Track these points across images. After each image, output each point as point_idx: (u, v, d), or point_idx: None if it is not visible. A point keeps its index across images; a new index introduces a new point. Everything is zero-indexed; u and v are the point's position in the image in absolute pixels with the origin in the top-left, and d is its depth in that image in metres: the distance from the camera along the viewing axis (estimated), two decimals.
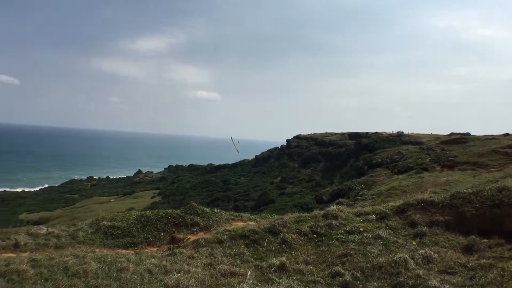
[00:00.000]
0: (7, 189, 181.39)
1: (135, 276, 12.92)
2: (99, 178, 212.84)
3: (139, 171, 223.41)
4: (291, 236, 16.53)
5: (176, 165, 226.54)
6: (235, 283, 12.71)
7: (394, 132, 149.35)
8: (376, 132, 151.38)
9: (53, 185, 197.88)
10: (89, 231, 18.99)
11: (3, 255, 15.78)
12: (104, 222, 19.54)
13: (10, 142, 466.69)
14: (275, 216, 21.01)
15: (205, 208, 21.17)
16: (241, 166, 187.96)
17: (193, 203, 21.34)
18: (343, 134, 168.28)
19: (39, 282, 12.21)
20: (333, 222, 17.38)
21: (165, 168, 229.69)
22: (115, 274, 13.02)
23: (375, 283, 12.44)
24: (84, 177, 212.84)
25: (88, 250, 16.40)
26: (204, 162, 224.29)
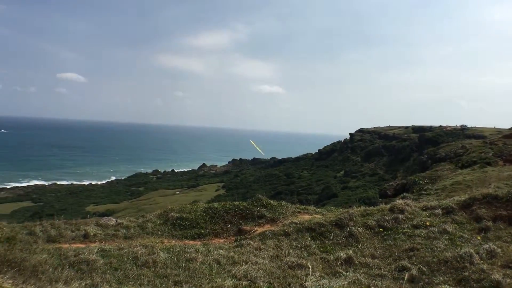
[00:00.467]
0: (75, 182, 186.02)
1: (204, 267, 13.11)
2: (164, 171, 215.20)
3: (204, 165, 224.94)
4: (358, 230, 16.51)
5: (240, 159, 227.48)
6: (302, 275, 12.77)
7: (458, 125, 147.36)
8: (440, 126, 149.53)
9: (120, 178, 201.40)
10: (158, 222, 19.25)
11: (73, 245, 16.13)
12: (172, 213, 19.78)
13: (78, 138, 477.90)
14: (341, 209, 20.91)
15: (272, 201, 21.20)
16: (304, 160, 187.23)
17: (260, 196, 21.41)
18: (406, 127, 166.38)
19: (108, 271, 12.47)
20: (400, 216, 17.29)
21: (229, 162, 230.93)
22: (183, 264, 13.24)
23: (440, 278, 12.40)
24: (149, 171, 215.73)
25: (157, 241, 16.64)
26: (267, 156, 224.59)
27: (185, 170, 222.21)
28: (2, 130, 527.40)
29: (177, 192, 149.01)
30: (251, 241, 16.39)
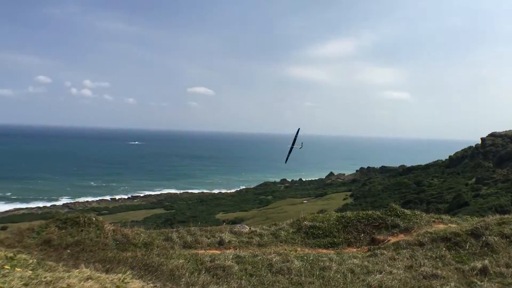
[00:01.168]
0: (205, 191, 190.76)
1: (338, 275, 13.24)
2: (292, 180, 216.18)
3: (331, 174, 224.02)
4: (493, 239, 16.19)
5: (368, 167, 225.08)
6: (437, 285, 12.69)
7: None
8: None
9: (248, 187, 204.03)
10: (291, 231, 19.49)
11: (208, 251, 16.65)
12: (305, 222, 19.97)
13: (209, 148, 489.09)
14: (476, 218, 20.48)
15: (406, 210, 21.02)
16: (433, 167, 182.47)
17: (393, 205, 21.29)
18: None
19: (244, 277, 12.83)
20: None
21: (356, 170, 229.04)
22: (318, 273, 13.41)
23: None
24: (277, 180, 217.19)
25: (291, 249, 16.91)
26: (395, 164, 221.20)
27: (312, 179, 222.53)
28: (137, 142, 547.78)
29: (304, 201, 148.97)
30: (384, 251, 16.40)
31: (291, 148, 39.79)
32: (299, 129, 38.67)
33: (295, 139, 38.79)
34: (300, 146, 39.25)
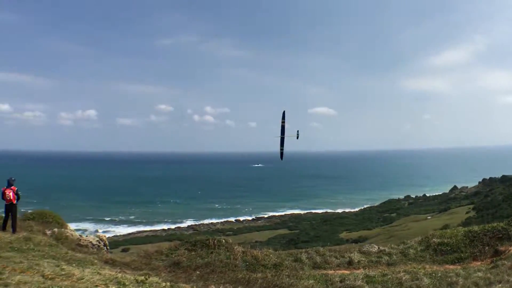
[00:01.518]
0: (329, 210, 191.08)
1: None
2: (416, 196, 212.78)
3: (455, 187, 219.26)
4: None
5: (490, 178, 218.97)
6: None
7: None
8: None
9: (372, 205, 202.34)
10: (419, 249, 19.86)
11: (338, 271, 17.26)
12: (434, 239, 20.24)
13: (331, 168, 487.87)
14: None
15: None
16: None
17: None
18: None
19: None
20: None
21: (479, 182, 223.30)
22: None
23: None
24: (401, 196, 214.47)
25: (419, 267, 17.33)
26: None
27: (436, 194, 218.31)
28: (260, 165, 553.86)
29: (428, 217, 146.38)
30: (505, 261, 16.64)
31: (282, 139, 33.21)
32: (284, 111, 32.71)
33: (283, 126, 32.51)
34: (296, 136, 33.18)
